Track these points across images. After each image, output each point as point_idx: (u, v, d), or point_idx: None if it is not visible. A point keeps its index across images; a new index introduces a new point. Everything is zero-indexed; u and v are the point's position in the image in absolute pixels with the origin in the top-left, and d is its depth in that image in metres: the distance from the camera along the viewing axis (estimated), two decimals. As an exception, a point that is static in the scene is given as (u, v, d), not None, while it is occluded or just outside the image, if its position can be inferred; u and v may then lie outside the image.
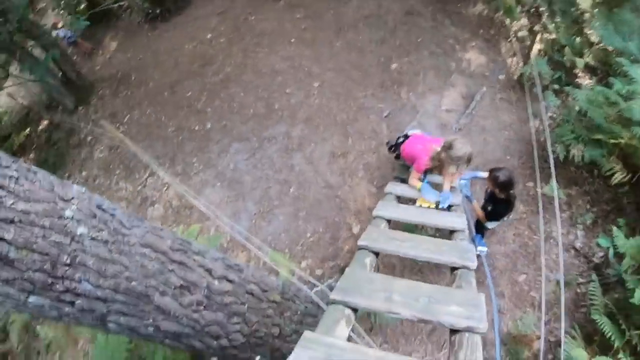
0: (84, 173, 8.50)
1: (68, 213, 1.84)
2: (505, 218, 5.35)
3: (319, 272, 5.84)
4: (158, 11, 10.69)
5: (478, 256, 3.66)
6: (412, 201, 4.89)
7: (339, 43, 8.24)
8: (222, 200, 6.68)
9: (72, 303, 1.87)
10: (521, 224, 6.08)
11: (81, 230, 1.87)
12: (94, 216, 1.99)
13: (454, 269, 3.17)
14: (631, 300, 4.40)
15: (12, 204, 1.65)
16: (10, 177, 1.69)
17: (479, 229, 5.54)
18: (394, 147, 5.53)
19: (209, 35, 9.29)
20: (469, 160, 4.47)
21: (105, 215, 2.07)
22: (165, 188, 7.28)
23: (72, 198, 1.91)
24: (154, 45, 10.18)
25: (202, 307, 2.51)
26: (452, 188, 4.98)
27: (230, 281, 2.78)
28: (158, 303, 2.24)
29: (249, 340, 2.95)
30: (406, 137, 5.40)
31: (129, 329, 2.21)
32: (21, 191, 1.70)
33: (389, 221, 4.14)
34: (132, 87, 9.40)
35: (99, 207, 2.07)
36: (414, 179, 4.92)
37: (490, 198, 5.04)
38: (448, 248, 3.39)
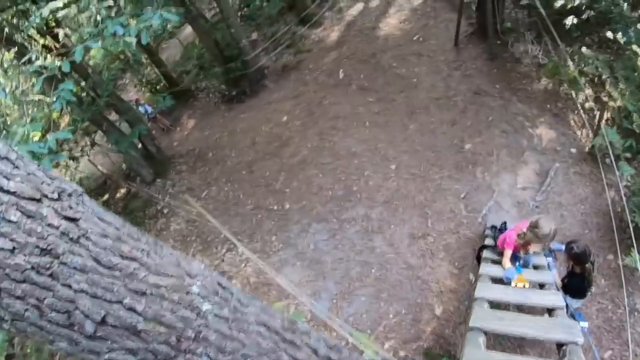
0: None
1: (195, 289, 1.94)
2: (588, 293, 5.19)
3: (402, 353, 5.76)
4: (234, 93, 11.31)
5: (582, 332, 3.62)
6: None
7: (412, 125, 8.45)
8: (301, 280, 6.76)
9: (190, 377, 1.95)
10: (604, 298, 5.90)
11: (206, 306, 1.96)
12: (217, 293, 2.08)
13: (560, 345, 3.18)
14: None
15: (144, 276, 1.73)
16: (142, 250, 1.78)
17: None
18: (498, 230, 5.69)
19: (284, 118, 9.70)
20: (553, 236, 4.53)
21: (225, 293, 2.16)
22: (243, 264, 7.43)
23: (197, 275, 2.03)
24: (230, 125, 10.69)
25: None
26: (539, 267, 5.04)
27: None
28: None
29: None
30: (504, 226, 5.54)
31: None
32: (152, 265, 1.78)
33: (490, 302, 4.12)
34: (210, 164, 9.82)
35: (219, 284, 2.17)
36: (506, 257, 4.89)
37: (569, 273, 4.96)
38: (553, 325, 3.46)
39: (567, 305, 5.28)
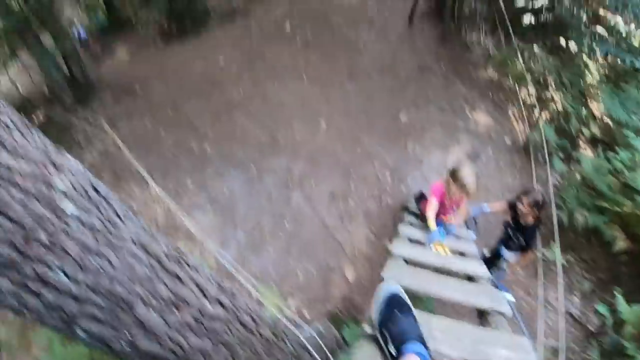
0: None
1: (59, 184, 1.44)
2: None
3: (306, 313, 5.38)
4: (175, 28, 10.52)
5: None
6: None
7: (351, 88, 8.05)
8: (211, 226, 6.23)
9: (38, 294, 1.44)
10: (519, 287, 5.78)
11: (71, 209, 1.47)
12: (88, 197, 1.58)
13: (481, 313, 2.81)
14: None
15: (-5, 152, 1.24)
16: (3, 122, 1.31)
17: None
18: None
19: (221, 61, 9.06)
20: (472, 189, 4.17)
21: (100, 200, 1.67)
22: (152, 203, 6.82)
23: (67, 170, 1.52)
24: (164, 61, 9.94)
25: (189, 330, 2.07)
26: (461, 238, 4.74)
27: (223, 306, 2.34)
28: (140, 315, 1.80)
29: (232, 375, 2.48)
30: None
31: (99, 339, 1.76)
32: (10, 143, 1.31)
33: (406, 262, 3.60)
34: (136, 97, 9.07)
35: (95, 188, 1.67)
36: (430, 208, 4.45)
37: (519, 231, 4.77)
38: (477, 291, 3.01)
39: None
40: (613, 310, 5.22)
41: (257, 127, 7.37)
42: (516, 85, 8.08)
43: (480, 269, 3.62)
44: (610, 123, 7.30)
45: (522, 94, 7.94)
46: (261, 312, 2.99)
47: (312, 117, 7.50)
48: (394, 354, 1.63)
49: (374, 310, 1.86)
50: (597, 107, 7.81)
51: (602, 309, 5.50)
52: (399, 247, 3.84)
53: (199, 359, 2.19)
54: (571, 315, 5.60)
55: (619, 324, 5.12)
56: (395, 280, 3.19)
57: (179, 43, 10.33)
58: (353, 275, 5.58)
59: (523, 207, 4.54)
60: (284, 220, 6.11)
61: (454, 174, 4.17)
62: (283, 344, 3.12)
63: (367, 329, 1.94)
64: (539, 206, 4.45)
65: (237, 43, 9.53)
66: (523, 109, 7.63)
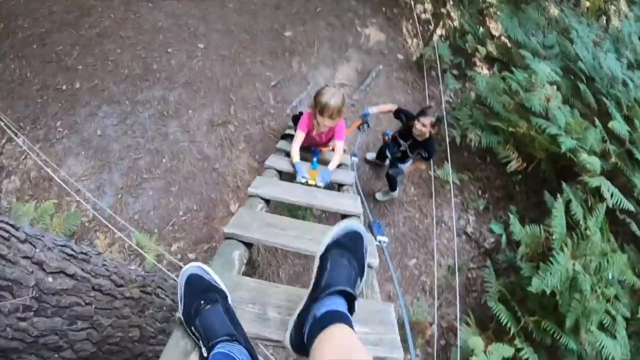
0: None
1: None
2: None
3: (191, 256, 5.07)
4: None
5: (379, 248, 3.14)
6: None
7: (231, 4, 7.36)
8: (85, 172, 5.68)
9: None
10: (411, 207, 5.66)
11: None
12: None
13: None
14: (529, 288, 4.28)
15: None
16: None
17: (394, 181, 5.29)
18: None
19: (90, -16, 8.08)
20: (339, 109, 3.81)
21: None
22: (23, 157, 6.12)
23: None
24: (29, -10, 8.79)
25: (31, 313, 1.74)
26: (341, 165, 4.44)
27: (70, 276, 1.97)
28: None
29: (100, 349, 2.19)
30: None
31: None
32: None
33: (267, 201, 3.33)
34: (-3, 36, 8.04)
35: None
36: (295, 142, 4.13)
37: (415, 144, 4.70)
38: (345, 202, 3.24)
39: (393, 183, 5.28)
40: (507, 229, 5.27)
41: (130, 57, 6.66)
42: (412, 0, 7.65)
43: (354, 207, 3.35)
44: (508, 43, 7.13)
45: (418, 9, 7.58)
46: (124, 269, 2.61)
47: (189, 39, 6.83)
48: (205, 355, 1.39)
49: (178, 297, 1.55)
50: (495, 27, 7.56)
51: (496, 227, 5.54)
52: (260, 186, 3.50)
53: (53, 340, 1.85)
54: (466, 233, 5.56)
55: (513, 242, 5.21)
56: (264, 191, 3.15)
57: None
58: (237, 207, 5.26)
59: (423, 127, 4.34)
60: (162, 157, 5.65)
61: (316, 98, 3.79)
62: (156, 297, 2.78)
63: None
64: (439, 121, 4.43)
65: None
66: (418, 24, 7.28)
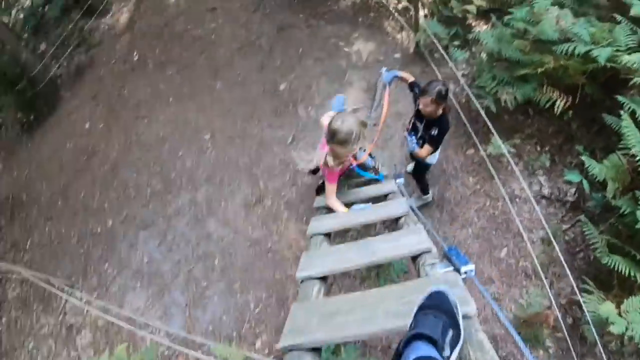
0: (3, 319, 7.12)
1: None
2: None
3: (278, 345, 4.69)
4: (32, 117, 9.42)
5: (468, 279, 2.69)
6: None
7: (218, 84, 7.23)
8: (147, 302, 5.49)
9: None
10: (478, 197, 5.17)
11: None
12: None
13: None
14: (638, 226, 3.70)
15: None
16: None
17: (422, 180, 4.89)
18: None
19: (86, 125, 8.10)
20: (357, 136, 3.25)
21: None
22: (86, 310, 5.98)
23: None
24: (36, 156, 8.85)
25: None
26: (388, 196, 4.00)
27: None
28: None
29: None
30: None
31: None
32: None
33: (328, 235, 3.14)
34: (26, 208, 8.07)
35: None
36: (331, 196, 3.70)
37: (429, 124, 4.13)
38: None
39: (422, 180, 4.91)
40: (584, 172, 4.66)
41: (147, 176, 6.54)
42: None
43: (399, 207, 3.22)
44: None
45: (392, 3, 7.28)
46: None
47: (193, 135, 6.70)
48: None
49: None
50: None
51: (571, 176, 4.88)
52: (317, 224, 3.38)
53: None
54: (544, 197, 5.02)
55: (596, 183, 4.58)
56: (314, 271, 2.58)
57: (41, 129, 9.20)
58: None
59: (426, 107, 3.90)
60: (213, 259, 5.41)
61: (329, 134, 3.38)
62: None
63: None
64: (441, 97, 3.80)
65: (94, 98, 8.52)
66: (399, 17, 6.93)
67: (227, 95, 6.98)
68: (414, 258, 2.52)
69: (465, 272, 2.57)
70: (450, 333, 1.28)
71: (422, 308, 1.36)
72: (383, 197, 3.98)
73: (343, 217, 3.48)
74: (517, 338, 1.68)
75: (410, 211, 3.19)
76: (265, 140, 6.19)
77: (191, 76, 7.63)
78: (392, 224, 3.81)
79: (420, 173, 4.91)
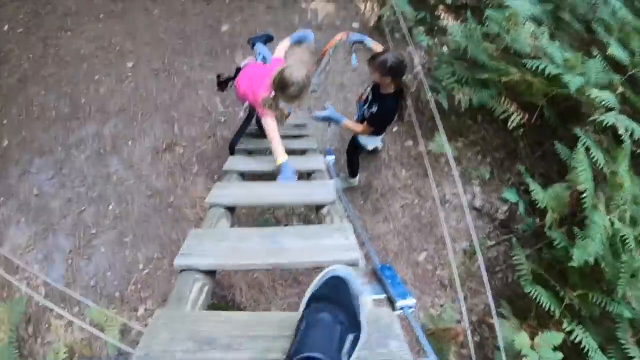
0: None
1: None
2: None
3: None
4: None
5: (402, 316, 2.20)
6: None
7: (157, 10, 6.38)
8: (29, 240, 4.81)
9: None
10: (407, 192, 4.73)
11: None
12: None
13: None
14: (570, 264, 3.54)
15: None
16: None
17: (353, 161, 4.50)
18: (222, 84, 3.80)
19: (5, 27, 7.10)
20: (302, 87, 2.94)
21: None
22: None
23: None
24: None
25: None
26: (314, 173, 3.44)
27: None
28: None
29: None
30: (238, 71, 3.63)
31: None
32: None
33: (231, 210, 2.65)
34: None
35: None
36: (275, 134, 3.10)
37: (374, 98, 3.71)
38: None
39: (354, 163, 4.54)
40: (521, 193, 4.62)
41: (56, 96, 5.73)
42: None
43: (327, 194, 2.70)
44: None
45: None
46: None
47: (116, 60, 5.89)
48: None
49: None
50: None
51: (509, 194, 4.73)
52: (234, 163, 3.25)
53: None
54: (475, 208, 4.66)
55: (530, 206, 4.54)
56: (224, 199, 2.54)
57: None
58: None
59: (370, 73, 3.55)
60: (108, 203, 4.77)
61: (279, 83, 2.90)
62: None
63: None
64: (395, 72, 3.38)
65: (22, -1, 7.54)
66: None
67: (163, 23, 6.17)
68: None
69: (402, 308, 2.06)
70: (349, 339, 1.04)
71: (315, 298, 1.12)
72: (305, 175, 3.40)
73: (254, 188, 2.88)
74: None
75: (338, 200, 2.64)
76: (192, 80, 5.50)
77: (126, -1, 6.76)
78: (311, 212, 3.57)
79: (352, 152, 4.42)
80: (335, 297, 1.10)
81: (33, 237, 4.79)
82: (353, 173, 4.64)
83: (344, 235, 2.03)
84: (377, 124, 3.73)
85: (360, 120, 4.00)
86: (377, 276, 1.82)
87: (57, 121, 5.49)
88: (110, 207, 4.71)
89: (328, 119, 3.79)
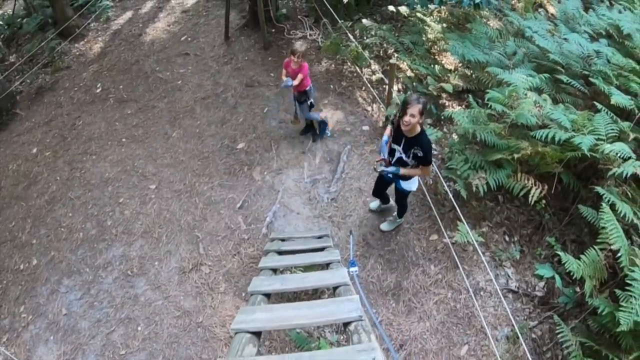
0: None
1: None
2: None
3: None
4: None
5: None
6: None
7: (175, 133, 6.46)
8: (58, 360, 4.52)
9: None
10: (439, 287, 4.54)
11: None
12: None
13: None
14: (619, 329, 3.23)
15: None
16: None
17: (403, 203, 4.54)
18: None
19: (34, 150, 7.09)
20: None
21: None
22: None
23: None
24: (-24, 173, 7.76)
25: None
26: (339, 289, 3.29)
27: None
28: None
29: None
30: None
31: None
32: None
33: (268, 296, 2.93)
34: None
35: None
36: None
37: (408, 143, 3.70)
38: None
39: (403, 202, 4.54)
40: (555, 266, 4.37)
41: (82, 218, 5.62)
42: (356, 66, 6.89)
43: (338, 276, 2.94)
44: (467, 71, 6.33)
45: (366, 74, 6.78)
46: None
47: (139, 182, 5.86)
48: None
49: None
50: (449, 61, 6.76)
51: (543, 270, 4.42)
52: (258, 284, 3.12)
53: None
54: (511, 291, 4.44)
55: (567, 277, 4.28)
56: (250, 324, 2.42)
57: (-12, 145, 8.14)
58: None
59: (412, 118, 3.43)
60: (137, 325, 4.52)
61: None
62: None
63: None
64: (426, 107, 3.51)
65: (48, 124, 7.55)
66: (372, 88, 6.42)
67: (182, 146, 6.21)
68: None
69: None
70: None
71: None
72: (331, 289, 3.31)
73: (279, 311, 2.76)
74: None
75: (364, 314, 2.53)
76: (214, 200, 5.43)
77: (149, 119, 6.85)
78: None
79: (402, 198, 4.43)
80: None
81: (62, 357, 4.50)
82: (401, 214, 4.70)
83: (370, 356, 2.01)
84: (430, 159, 3.71)
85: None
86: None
87: (84, 242, 5.34)
88: (139, 328, 4.47)
89: (396, 173, 3.87)
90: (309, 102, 5.46)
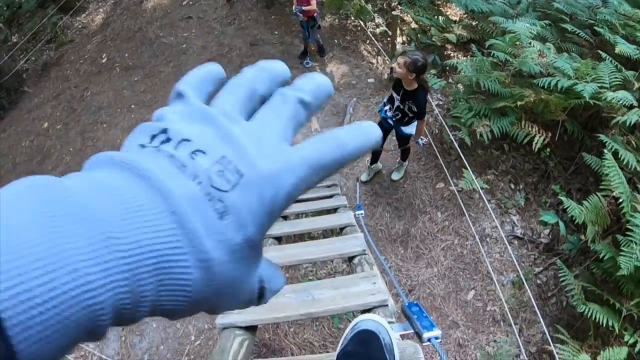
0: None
1: None
2: None
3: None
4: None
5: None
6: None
7: None
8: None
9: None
10: (446, 234, 4.45)
11: None
12: None
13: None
14: (619, 273, 3.23)
15: None
16: None
17: (406, 150, 4.52)
18: None
19: (45, 125, 7.02)
20: None
21: None
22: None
23: None
24: (-8, 151, 7.72)
25: None
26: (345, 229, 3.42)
27: None
28: None
29: None
30: None
31: None
32: None
33: (279, 240, 3.11)
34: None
35: None
36: None
37: (405, 95, 3.74)
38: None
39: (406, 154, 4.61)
40: (560, 213, 4.24)
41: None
42: (360, 20, 6.65)
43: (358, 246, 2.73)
44: (473, 22, 6.11)
45: (370, 27, 6.53)
46: None
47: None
48: None
49: None
50: (453, 12, 6.54)
51: (547, 217, 4.31)
52: None
53: None
54: (516, 237, 4.33)
55: (572, 224, 4.17)
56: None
57: (1, 125, 8.03)
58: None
59: (398, 68, 3.54)
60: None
61: None
62: None
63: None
64: (414, 65, 3.46)
65: (57, 98, 7.45)
66: (376, 41, 6.20)
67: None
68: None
69: (429, 339, 1.86)
70: None
71: (346, 355, 1.01)
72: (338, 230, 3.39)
73: (289, 249, 2.98)
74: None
75: (367, 249, 2.62)
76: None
77: (156, 85, 6.71)
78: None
79: (405, 143, 4.39)
80: (365, 352, 1.01)
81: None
82: (405, 158, 4.67)
83: (372, 281, 2.07)
84: (424, 113, 3.81)
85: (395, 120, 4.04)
86: (405, 313, 1.67)
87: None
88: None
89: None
90: (317, 25, 5.82)
